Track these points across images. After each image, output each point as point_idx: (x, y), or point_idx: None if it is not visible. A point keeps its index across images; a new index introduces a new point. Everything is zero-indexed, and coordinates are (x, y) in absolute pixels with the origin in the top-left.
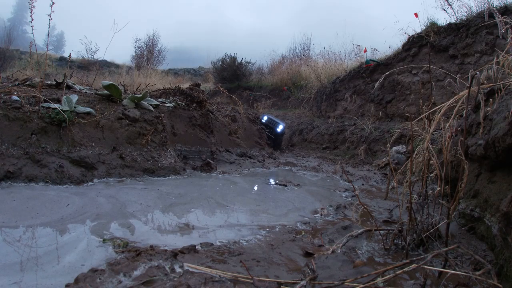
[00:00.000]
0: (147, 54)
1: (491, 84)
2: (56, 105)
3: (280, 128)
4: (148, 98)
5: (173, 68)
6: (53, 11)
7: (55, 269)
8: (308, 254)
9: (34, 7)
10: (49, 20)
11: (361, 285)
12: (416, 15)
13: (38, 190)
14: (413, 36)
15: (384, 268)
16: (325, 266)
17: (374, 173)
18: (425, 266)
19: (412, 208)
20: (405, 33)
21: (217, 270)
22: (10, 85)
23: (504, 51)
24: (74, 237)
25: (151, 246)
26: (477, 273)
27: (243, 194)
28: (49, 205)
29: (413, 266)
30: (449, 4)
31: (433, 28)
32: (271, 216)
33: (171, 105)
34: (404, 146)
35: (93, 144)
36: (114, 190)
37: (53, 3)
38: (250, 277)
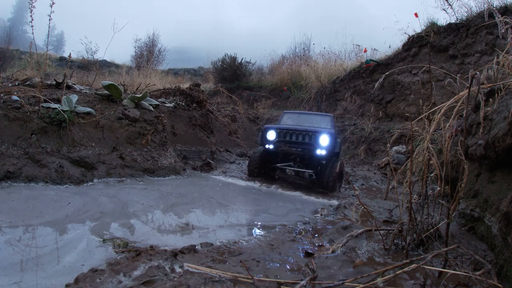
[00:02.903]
0: (147, 54)
1: (491, 84)
2: (56, 105)
3: (325, 141)
4: (148, 98)
5: (173, 68)
6: (53, 11)
7: (55, 269)
8: (308, 254)
9: (34, 7)
10: (49, 20)
11: (361, 285)
12: (416, 15)
13: (38, 190)
14: (413, 36)
15: (384, 268)
16: (325, 266)
17: (374, 173)
18: (425, 266)
19: (412, 208)
20: (405, 33)
21: (217, 270)
22: (10, 85)
23: (504, 51)
24: (77, 235)
25: (151, 246)
26: (477, 273)
27: (244, 194)
28: (50, 204)
29: (413, 266)
30: (449, 4)
31: (433, 28)
32: (271, 216)
33: (171, 105)
34: (404, 146)
35: (93, 144)
36: (115, 189)
37: (53, 3)
38: (250, 277)
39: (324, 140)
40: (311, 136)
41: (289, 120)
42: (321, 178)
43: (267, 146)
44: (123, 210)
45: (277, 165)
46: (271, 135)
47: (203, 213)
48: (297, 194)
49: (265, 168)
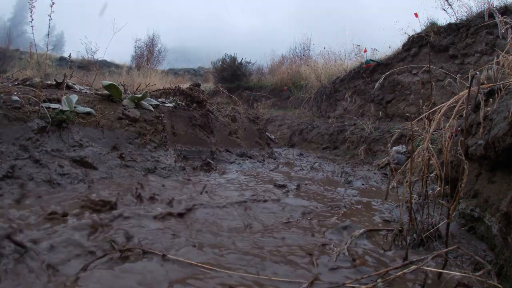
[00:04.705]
0: (147, 54)
1: (491, 84)
2: (56, 105)
3: None
4: (148, 98)
5: (173, 68)
6: (53, 11)
7: None
8: (308, 254)
9: (34, 7)
10: (49, 20)
11: (362, 287)
12: (416, 15)
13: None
14: (413, 36)
15: (385, 269)
16: (325, 266)
17: (374, 173)
18: (425, 268)
19: (412, 208)
20: (405, 33)
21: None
22: (10, 85)
23: (504, 51)
24: None
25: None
26: (477, 273)
27: (243, 194)
28: None
29: (413, 267)
30: (449, 4)
31: (433, 28)
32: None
33: (171, 105)
34: (404, 146)
35: (93, 144)
36: None
37: (53, 3)
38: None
39: None
40: None
41: None
42: None
43: None
44: None
45: None
46: None
47: None
48: None
49: None
